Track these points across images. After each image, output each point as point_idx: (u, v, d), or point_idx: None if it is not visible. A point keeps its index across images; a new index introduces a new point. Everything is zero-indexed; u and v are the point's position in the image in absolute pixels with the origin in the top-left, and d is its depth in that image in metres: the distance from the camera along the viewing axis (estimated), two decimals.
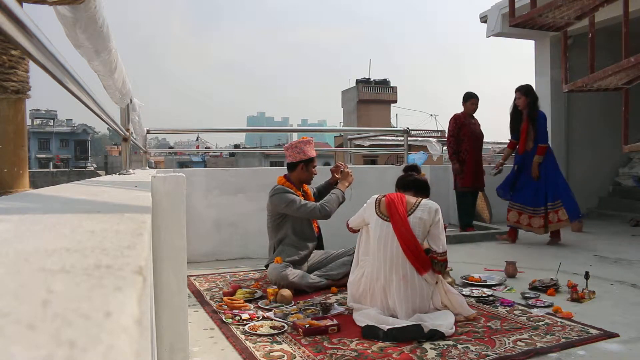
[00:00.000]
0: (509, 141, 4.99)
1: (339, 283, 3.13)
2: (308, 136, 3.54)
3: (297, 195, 3.28)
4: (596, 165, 6.92)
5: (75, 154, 47.30)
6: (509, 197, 4.81)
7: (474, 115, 5.27)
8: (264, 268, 3.39)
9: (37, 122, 47.31)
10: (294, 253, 3.23)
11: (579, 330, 2.32)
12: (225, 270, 3.77)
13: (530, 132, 4.66)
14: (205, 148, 29.65)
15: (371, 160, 19.07)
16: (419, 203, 2.59)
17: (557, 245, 4.65)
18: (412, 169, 2.96)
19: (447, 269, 3.20)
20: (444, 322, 2.34)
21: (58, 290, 0.31)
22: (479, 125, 5.29)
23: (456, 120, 5.16)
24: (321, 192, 3.55)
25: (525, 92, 4.68)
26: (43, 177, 28.05)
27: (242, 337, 2.29)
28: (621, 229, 5.67)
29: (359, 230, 2.75)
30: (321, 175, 3.66)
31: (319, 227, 3.49)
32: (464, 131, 5.13)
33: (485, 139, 5.47)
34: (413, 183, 2.77)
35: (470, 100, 5.21)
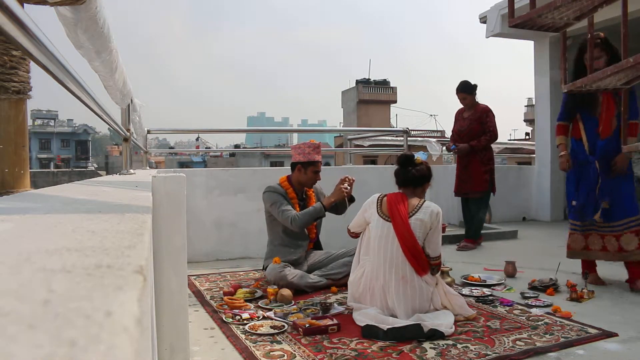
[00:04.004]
0: (559, 125, 3.33)
1: (339, 283, 3.12)
2: (310, 137, 3.52)
3: (287, 197, 3.24)
4: None
5: (76, 154, 47.29)
6: (588, 215, 3.12)
7: (472, 108, 4.54)
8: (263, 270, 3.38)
9: (38, 122, 47.28)
10: (289, 252, 3.23)
11: (578, 329, 2.33)
12: (225, 270, 3.78)
13: (615, 106, 3.11)
14: (206, 148, 29.60)
15: (371, 160, 19.06)
16: (422, 205, 2.57)
17: (556, 245, 4.61)
18: (408, 160, 2.74)
19: (447, 268, 3.20)
20: (444, 321, 2.34)
21: (59, 289, 0.32)
22: (473, 121, 4.50)
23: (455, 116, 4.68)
24: (336, 207, 3.30)
25: (607, 43, 3.06)
26: (44, 177, 28.04)
27: (243, 336, 2.29)
28: None
29: (360, 234, 2.73)
30: (328, 180, 3.50)
31: (317, 230, 3.44)
32: (454, 128, 4.65)
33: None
34: (411, 180, 2.70)
35: (458, 95, 4.55)
